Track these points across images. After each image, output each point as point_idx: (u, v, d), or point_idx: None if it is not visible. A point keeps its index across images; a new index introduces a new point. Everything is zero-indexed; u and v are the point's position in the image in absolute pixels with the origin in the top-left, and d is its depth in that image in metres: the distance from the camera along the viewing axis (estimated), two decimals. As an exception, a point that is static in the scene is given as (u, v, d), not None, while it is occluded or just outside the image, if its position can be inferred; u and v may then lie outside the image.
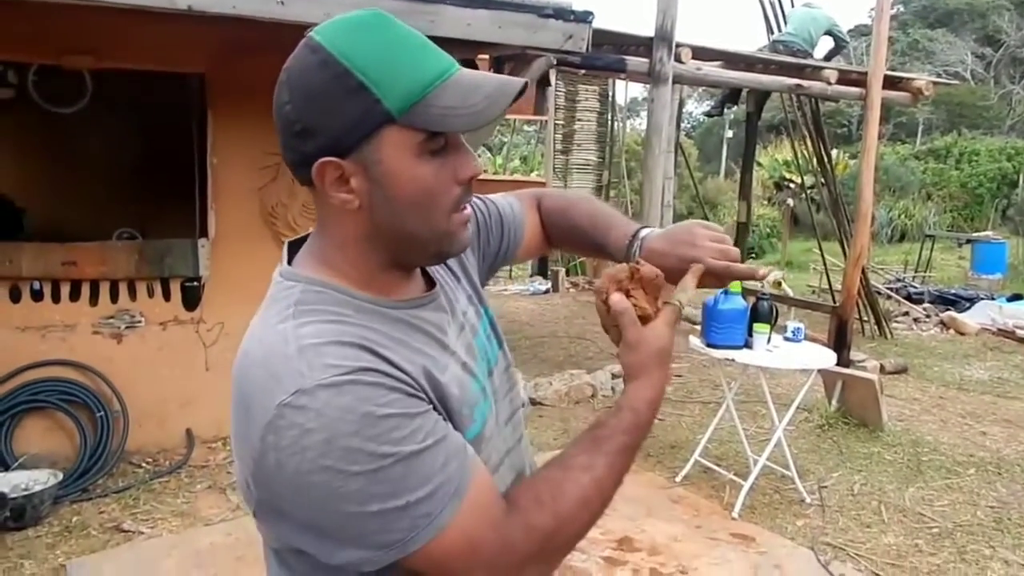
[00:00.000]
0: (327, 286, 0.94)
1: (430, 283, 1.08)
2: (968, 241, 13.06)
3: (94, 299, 4.37)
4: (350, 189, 0.92)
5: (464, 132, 0.92)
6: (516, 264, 11.77)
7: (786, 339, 4.33)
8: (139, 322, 4.45)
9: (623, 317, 1.05)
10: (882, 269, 11.88)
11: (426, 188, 0.92)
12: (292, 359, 0.84)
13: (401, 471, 0.83)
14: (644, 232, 1.25)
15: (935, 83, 8.40)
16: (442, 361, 0.97)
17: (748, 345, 4.10)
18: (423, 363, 0.93)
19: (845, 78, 7.40)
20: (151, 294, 4.51)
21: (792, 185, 17.81)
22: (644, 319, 1.06)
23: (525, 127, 17.28)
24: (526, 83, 0.93)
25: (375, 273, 0.98)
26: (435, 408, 0.91)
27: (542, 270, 11.42)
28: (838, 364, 4.85)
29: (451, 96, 0.89)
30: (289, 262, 1.01)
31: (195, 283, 4.61)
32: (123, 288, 4.44)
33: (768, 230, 16.81)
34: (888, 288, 10.39)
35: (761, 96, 8.72)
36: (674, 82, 6.39)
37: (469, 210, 0.99)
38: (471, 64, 5.77)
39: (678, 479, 4.45)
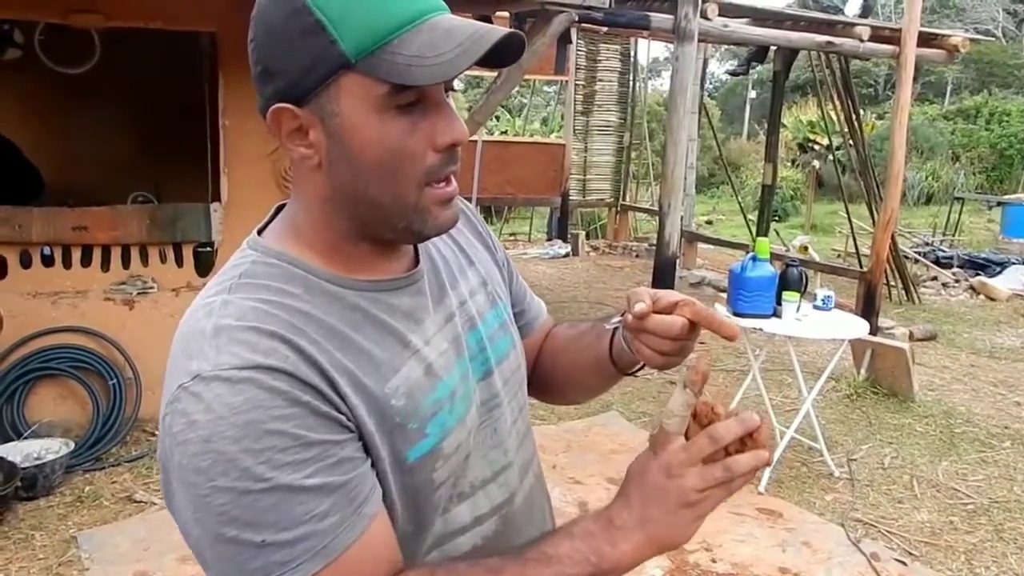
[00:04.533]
0: (284, 258, 0.85)
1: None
2: (998, 204, 12.75)
3: (106, 265, 4.29)
4: (309, 143, 0.82)
5: (430, 85, 0.78)
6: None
7: (816, 307, 4.20)
8: (151, 288, 4.36)
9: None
10: (909, 232, 11.62)
11: (391, 149, 0.80)
12: (206, 339, 0.76)
13: (269, 502, 0.72)
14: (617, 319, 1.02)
15: (971, 40, 8.10)
16: (392, 363, 0.84)
17: (776, 314, 3.97)
18: (357, 370, 0.80)
19: (878, 35, 7.12)
20: (163, 260, 4.42)
21: (817, 147, 17.45)
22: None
23: (545, 88, 17.01)
24: (514, 33, 0.79)
25: (341, 244, 0.87)
26: (357, 431, 0.79)
27: (562, 233, 11.26)
28: (868, 332, 4.71)
29: (420, 44, 0.77)
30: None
31: (208, 248, 4.52)
32: (135, 253, 4.36)
33: (792, 192, 16.51)
34: (916, 252, 10.17)
35: (789, 54, 8.45)
36: (700, 40, 6.18)
37: (453, 185, 0.85)
38: (486, 21, 5.60)
39: (702, 450, 4.33)
